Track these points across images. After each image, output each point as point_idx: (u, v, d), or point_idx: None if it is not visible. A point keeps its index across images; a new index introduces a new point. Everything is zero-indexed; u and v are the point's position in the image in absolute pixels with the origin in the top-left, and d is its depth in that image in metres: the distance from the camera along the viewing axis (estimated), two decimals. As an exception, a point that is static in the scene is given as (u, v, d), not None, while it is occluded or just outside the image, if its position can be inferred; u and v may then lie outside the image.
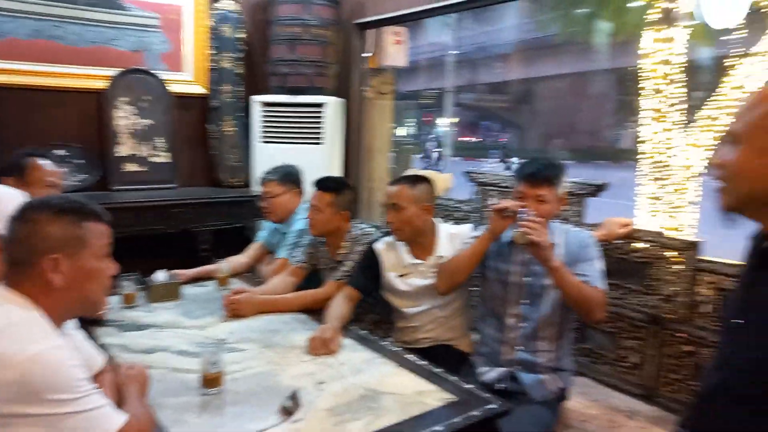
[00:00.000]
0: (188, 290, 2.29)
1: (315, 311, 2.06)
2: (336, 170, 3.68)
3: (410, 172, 3.72)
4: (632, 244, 2.09)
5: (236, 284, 2.36)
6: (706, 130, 6.29)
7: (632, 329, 2.09)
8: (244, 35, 3.81)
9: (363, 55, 3.99)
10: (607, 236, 2.10)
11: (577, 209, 2.28)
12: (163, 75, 3.54)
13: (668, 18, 5.67)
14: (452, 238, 2.08)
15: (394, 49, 4.38)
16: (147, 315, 2.02)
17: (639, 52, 6.12)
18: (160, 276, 2.24)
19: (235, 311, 1.99)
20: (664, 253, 2.00)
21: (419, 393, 1.47)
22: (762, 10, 6.78)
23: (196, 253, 3.23)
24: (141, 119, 3.46)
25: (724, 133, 0.99)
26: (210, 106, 3.71)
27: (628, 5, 7.67)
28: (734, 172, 0.95)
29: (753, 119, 0.93)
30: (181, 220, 3.29)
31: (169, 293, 2.20)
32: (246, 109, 3.72)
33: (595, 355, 2.20)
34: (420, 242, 2.06)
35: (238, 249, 2.76)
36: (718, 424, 1.00)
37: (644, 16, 6.38)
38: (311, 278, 2.37)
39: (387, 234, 2.18)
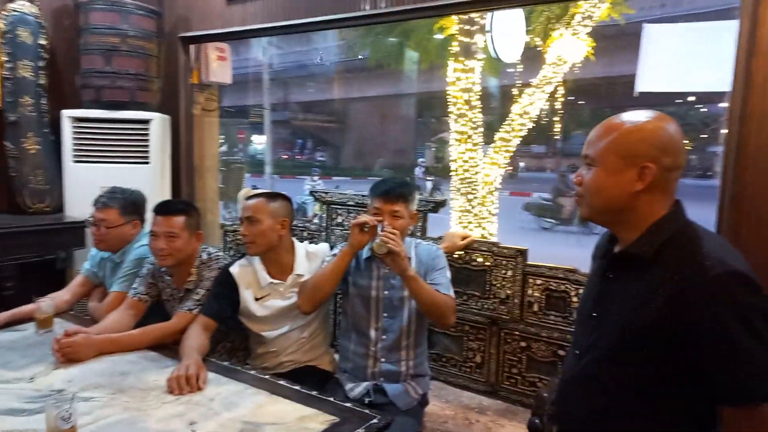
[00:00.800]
0: (0, 337, 1.94)
1: (165, 346, 1.90)
2: (165, 191, 3.42)
3: (244, 191, 3.61)
4: (472, 254, 2.31)
5: (61, 325, 2.07)
6: (501, 150, 7.21)
7: (475, 331, 2.30)
8: (46, 42, 3.37)
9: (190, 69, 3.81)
10: (449, 248, 2.29)
11: (420, 224, 2.43)
12: (-58, 82, 2.97)
13: (467, 51, 6.41)
14: (310, 257, 2.09)
15: (218, 66, 4.25)
16: (-50, 372, 1.67)
17: (447, 80, 6.80)
18: (-39, 324, 1.87)
19: (69, 355, 1.73)
20: (499, 261, 2.24)
21: (300, 419, 1.44)
22: (538, 48, 7.97)
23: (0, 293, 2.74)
24: None
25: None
26: (7, 121, 3.19)
27: (434, 37, 8.43)
28: (590, 188, 1.14)
29: (603, 146, 1.12)
30: (-27, 255, 2.77)
31: (-24, 343, 1.84)
32: (54, 125, 3.28)
33: (443, 359, 2.37)
34: (277, 261, 2.03)
35: (52, 284, 2.42)
36: (581, 405, 1.16)
37: (449, 48, 7.13)
38: (153, 311, 2.18)
39: (241, 256, 2.10)
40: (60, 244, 3.01)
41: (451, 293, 1.92)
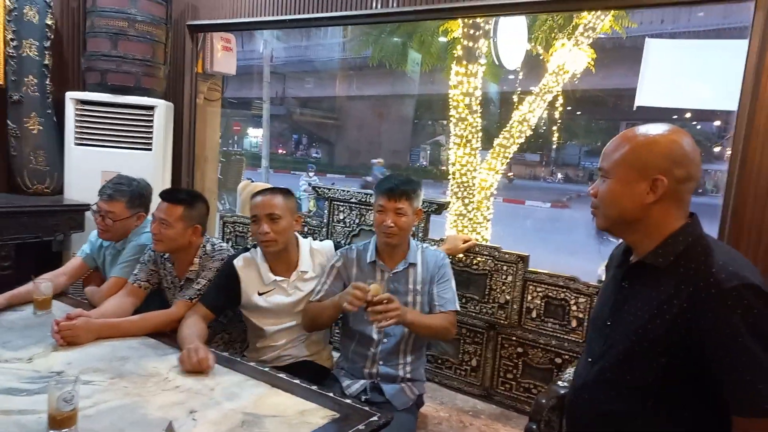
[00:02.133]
0: (-1, 317, 1.93)
1: (164, 334, 1.89)
2: (166, 179, 3.41)
3: (243, 183, 3.62)
4: (473, 258, 2.32)
5: (59, 308, 2.06)
6: (499, 156, 7.24)
7: (472, 335, 2.31)
8: (52, 22, 3.35)
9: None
10: (451, 251, 2.30)
11: (422, 225, 2.44)
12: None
13: (470, 55, 6.44)
14: (315, 254, 2.08)
15: (222, 56, 4.25)
16: (-53, 351, 1.65)
17: (447, 83, 6.81)
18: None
19: (69, 338, 1.72)
20: (500, 266, 2.25)
21: (301, 413, 1.44)
22: (540, 56, 7.99)
23: (-5, 272, 2.72)
24: None
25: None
26: (10, 100, 3.17)
27: (438, 39, 8.44)
28: (604, 199, 1.15)
29: (617, 158, 1.14)
30: (-30, 233, 2.74)
31: (-27, 322, 1.83)
32: (57, 106, 3.26)
33: (439, 361, 2.38)
34: (284, 258, 2.02)
35: (47, 266, 2.39)
36: (593, 410, 1.18)
37: (452, 51, 7.14)
38: (151, 298, 2.17)
39: (245, 249, 2.10)
40: (58, 227, 2.99)
41: (457, 307, 1.95)
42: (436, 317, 1.90)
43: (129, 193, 2.24)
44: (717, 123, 19.18)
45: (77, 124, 3.22)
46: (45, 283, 2.08)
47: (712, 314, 1.00)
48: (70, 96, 3.23)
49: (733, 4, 2.55)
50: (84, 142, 3.22)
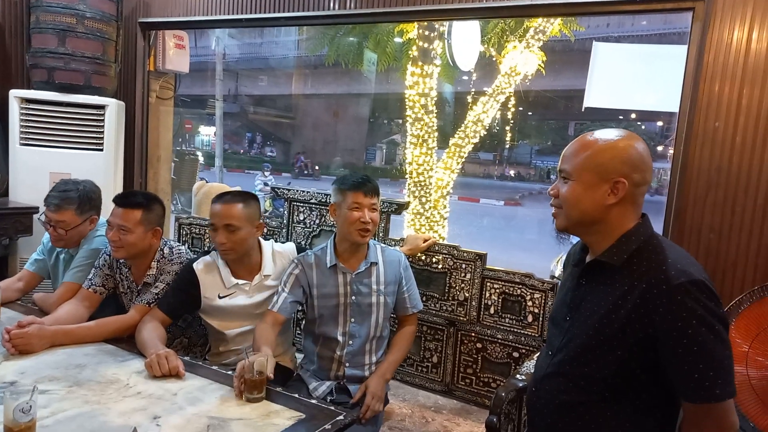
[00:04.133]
0: (-59, 326, 1.84)
1: (121, 340, 1.86)
2: (118, 180, 3.32)
3: (198, 184, 3.56)
4: (433, 257, 2.36)
5: (5, 314, 1.99)
6: (454, 156, 7.36)
7: (433, 332, 2.35)
8: (-8, 16, 3.21)
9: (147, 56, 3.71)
10: (413, 251, 2.34)
11: (383, 225, 2.47)
12: None
13: (425, 56, 6.52)
14: (277, 256, 2.07)
15: (175, 54, 4.17)
16: None
17: (403, 83, 6.88)
18: None
19: (21, 347, 1.66)
20: (459, 264, 2.31)
21: (267, 415, 1.44)
22: (492, 58, 8.16)
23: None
24: None
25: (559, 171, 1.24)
26: (-53, 97, 3.02)
27: (394, 39, 8.49)
28: (567, 201, 1.21)
29: (579, 162, 1.19)
30: None
31: None
32: (0, 105, 3.12)
33: (400, 359, 2.41)
34: (245, 262, 2.00)
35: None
36: (552, 400, 1.24)
37: (408, 52, 7.19)
38: (106, 302, 2.12)
39: (205, 253, 2.07)
40: (4, 231, 2.86)
41: (421, 306, 2.10)
42: (400, 341, 2.03)
43: (77, 200, 2.14)
44: (660, 123, 20.01)
45: (23, 124, 3.09)
46: (-8, 289, 2.00)
47: (663, 309, 1.06)
48: (14, 94, 3.09)
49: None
50: (30, 143, 3.10)
